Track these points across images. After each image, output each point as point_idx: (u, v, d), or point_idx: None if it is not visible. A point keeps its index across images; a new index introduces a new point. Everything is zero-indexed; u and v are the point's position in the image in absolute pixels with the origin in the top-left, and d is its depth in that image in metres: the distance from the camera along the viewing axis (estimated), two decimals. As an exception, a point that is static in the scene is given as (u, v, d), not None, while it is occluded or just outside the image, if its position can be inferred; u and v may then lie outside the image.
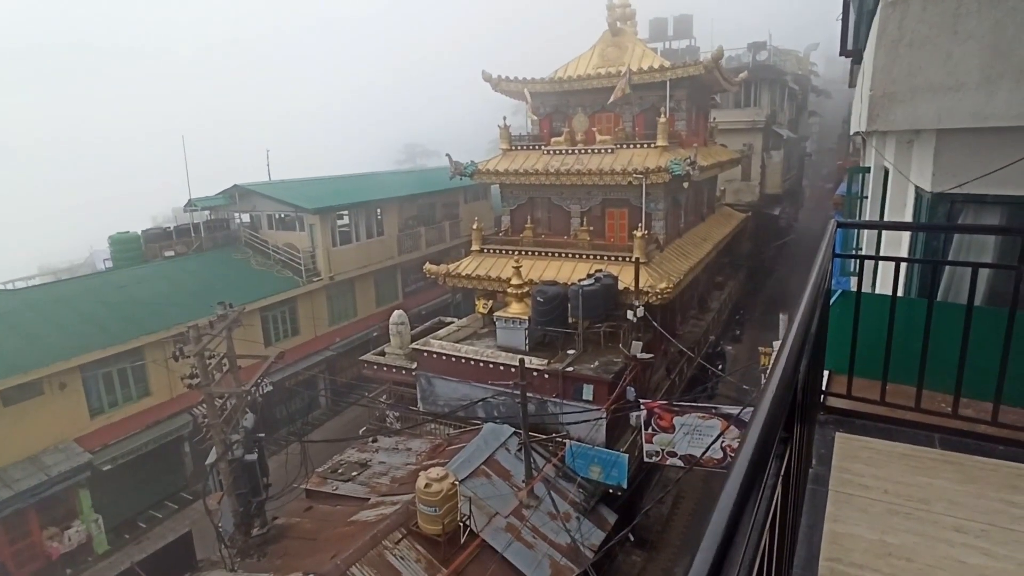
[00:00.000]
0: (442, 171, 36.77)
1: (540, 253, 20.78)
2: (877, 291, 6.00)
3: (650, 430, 14.61)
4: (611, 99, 20.08)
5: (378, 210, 30.75)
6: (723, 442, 13.38)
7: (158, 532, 19.66)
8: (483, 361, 17.34)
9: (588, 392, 16.23)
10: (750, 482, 1.14)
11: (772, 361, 1.77)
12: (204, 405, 13.31)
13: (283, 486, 14.72)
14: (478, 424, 16.66)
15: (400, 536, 12.11)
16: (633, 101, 21.55)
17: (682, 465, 14.44)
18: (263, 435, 13.73)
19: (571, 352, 17.39)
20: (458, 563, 11.84)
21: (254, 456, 13.03)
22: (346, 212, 29.66)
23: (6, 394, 16.99)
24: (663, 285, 17.43)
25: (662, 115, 20.04)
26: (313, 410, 26.92)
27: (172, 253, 26.30)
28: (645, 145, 20.32)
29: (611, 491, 15.28)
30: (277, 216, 28.48)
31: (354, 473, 15.64)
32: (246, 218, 29.80)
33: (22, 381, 17.25)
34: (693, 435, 13.81)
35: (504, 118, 22.59)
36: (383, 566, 11.46)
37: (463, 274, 20.91)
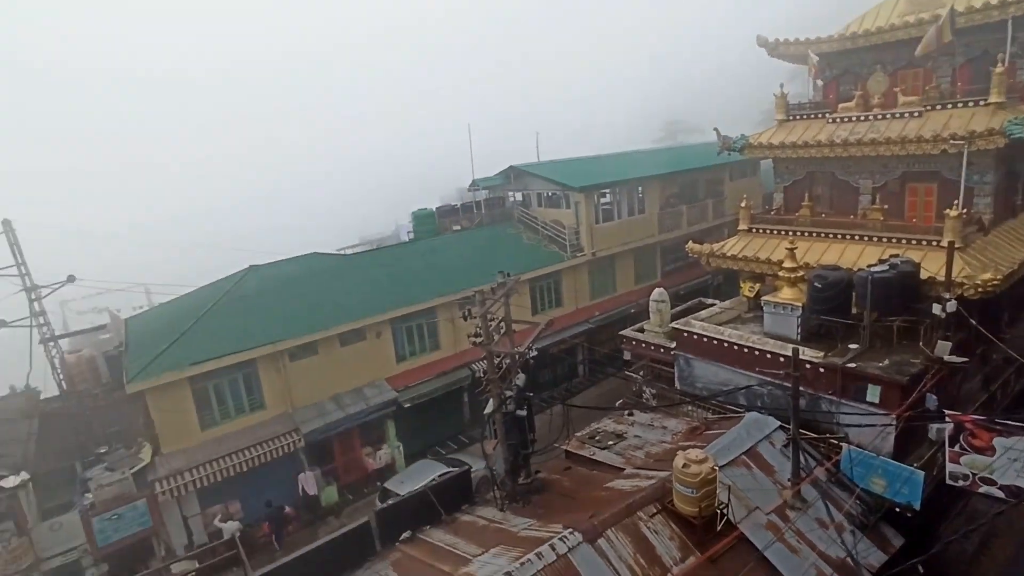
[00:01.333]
0: (705, 147, 35.15)
1: (819, 234, 18.64)
2: None
3: (957, 448, 12.27)
4: (920, 50, 16.77)
5: (639, 188, 30.82)
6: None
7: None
8: (748, 347, 16.38)
9: (873, 394, 14.22)
10: None
11: None
12: (484, 362, 15.14)
13: (546, 444, 16.02)
14: (739, 412, 15.87)
15: (655, 511, 12.28)
16: (954, 50, 17.75)
17: (1002, 497, 11.86)
18: (531, 394, 15.07)
19: (853, 347, 15.39)
20: (714, 550, 11.58)
21: (523, 412, 14.42)
22: (608, 190, 30.40)
23: (343, 336, 21.63)
24: (987, 276, 14.27)
25: (999, 64, 16.09)
26: (573, 378, 28.57)
27: (459, 227, 30.10)
28: (969, 104, 16.62)
29: (897, 509, 13.27)
30: (546, 194, 30.48)
31: (610, 442, 16.26)
32: (519, 196, 32.56)
33: (353, 327, 21.74)
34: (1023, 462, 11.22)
35: (781, 85, 20.59)
36: (637, 536, 11.79)
37: (728, 254, 19.87)
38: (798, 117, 20.19)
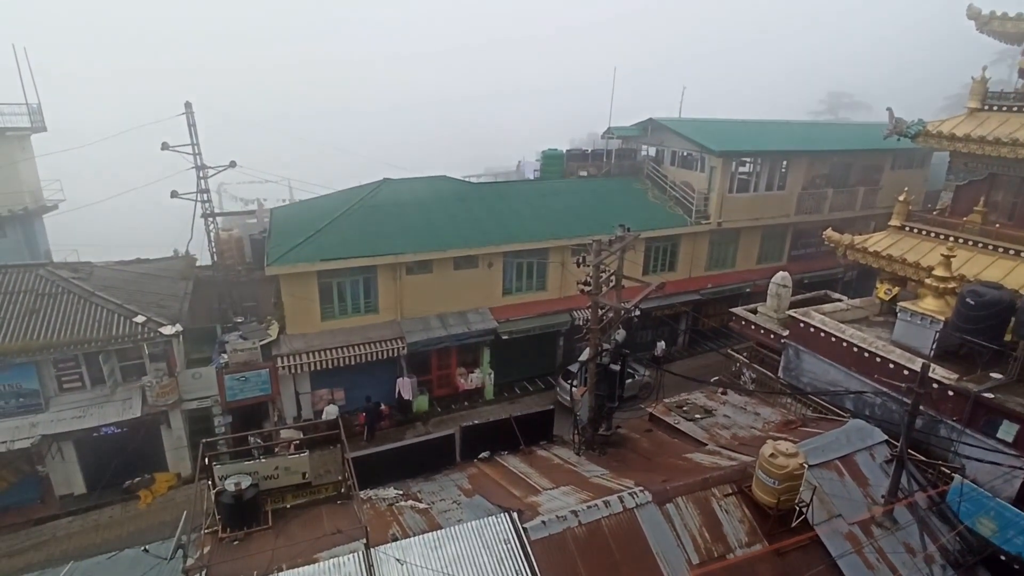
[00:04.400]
0: (870, 128, 31.92)
1: (986, 246, 16.64)
2: None
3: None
4: None
5: (784, 162, 28.70)
6: None
7: (526, 401, 24.06)
8: (870, 352, 15.29)
9: (1008, 431, 12.91)
10: None
11: None
12: (587, 311, 15.30)
13: (632, 402, 16.15)
14: (842, 416, 15.05)
15: (730, 491, 12.18)
16: None
17: None
18: (628, 352, 15.13)
19: (996, 376, 13.91)
20: (784, 544, 11.39)
21: (617, 367, 14.56)
22: (749, 159, 28.59)
23: (457, 261, 22.58)
24: None
25: None
26: (671, 345, 28.14)
27: (585, 173, 29.78)
28: None
29: (1003, 558, 12.23)
30: (681, 153, 29.22)
31: (697, 416, 16.09)
32: (652, 151, 31.45)
33: (468, 254, 22.60)
34: None
35: (983, 68, 18.00)
36: (707, 510, 11.81)
37: (871, 250, 18.30)
38: (995, 108, 17.70)
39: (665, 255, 27.46)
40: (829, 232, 19.98)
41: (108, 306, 18.68)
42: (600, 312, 14.59)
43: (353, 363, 20.68)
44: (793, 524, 11.67)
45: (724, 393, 17.60)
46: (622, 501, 11.37)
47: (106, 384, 18.49)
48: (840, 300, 19.69)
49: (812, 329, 16.87)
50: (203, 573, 9.71)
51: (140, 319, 18.29)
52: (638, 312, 14.96)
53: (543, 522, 10.74)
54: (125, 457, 18.31)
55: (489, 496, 12.14)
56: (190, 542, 10.89)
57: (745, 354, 19.72)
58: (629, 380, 18.83)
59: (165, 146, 23.37)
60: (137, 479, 18.74)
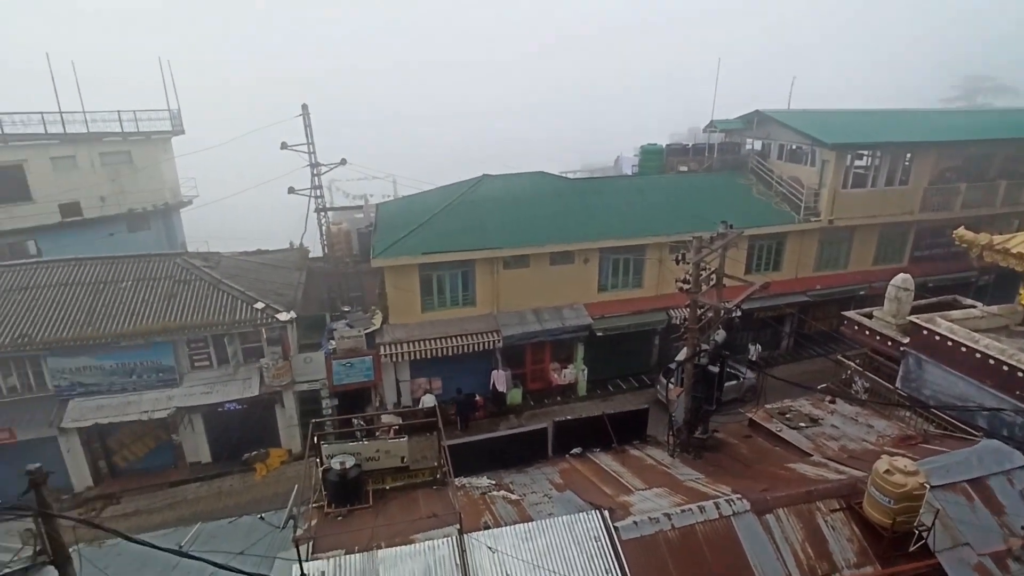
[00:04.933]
0: (1014, 114, 28.59)
1: None
2: None
3: None
4: None
5: (907, 155, 26.34)
6: None
7: (619, 399, 23.78)
8: (1011, 365, 13.75)
9: None
10: None
11: None
12: (685, 309, 14.89)
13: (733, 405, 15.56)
14: (973, 435, 13.68)
15: (838, 507, 11.44)
16: None
17: None
18: (728, 353, 14.57)
19: None
20: (899, 570, 10.55)
21: (715, 369, 14.06)
22: (866, 152, 26.50)
23: (553, 256, 22.68)
24: None
25: None
26: (775, 348, 26.74)
27: (686, 168, 28.86)
28: None
29: None
30: (789, 147, 27.60)
31: (802, 424, 15.21)
32: (757, 145, 29.92)
33: (565, 249, 22.64)
34: None
35: None
36: (810, 526, 11.17)
37: (1014, 251, 16.42)
38: None
39: (770, 254, 26.07)
40: (961, 231, 18.11)
41: (233, 293, 20.47)
42: (699, 311, 14.15)
43: (450, 354, 21.35)
44: (911, 549, 10.78)
45: (832, 402, 16.50)
46: (718, 507, 11.00)
47: (230, 364, 20.28)
48: (973, 307, 17.85)
49: (938, 337, 15.42)
50: (310, 544, 10.45)
51: (260, 305, 19.89)
52: (739, 312, 14.33)
53: (635, 522, 10.62)
54: (244, 432, 20.05)
55: (580, 492, 12.17)
56: (299, 514, 11.78)
57: (858, 361, 18.35)
58: (733, 383, 18.41)
59: (284, 146, 25.24)
60: (254, 452, 20.42)
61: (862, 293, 26.05)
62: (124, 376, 19.27)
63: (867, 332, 17.93)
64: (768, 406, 16.21)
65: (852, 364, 18.44)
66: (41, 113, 26.84)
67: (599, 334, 22.87)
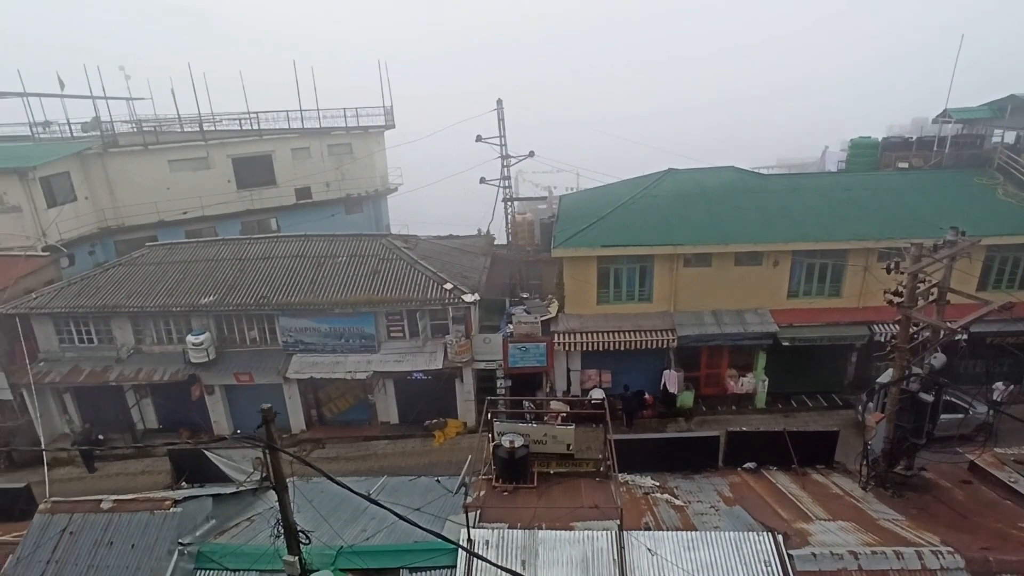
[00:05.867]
0: None
1: None
2: None
3: None
4: None
5: None
6: None
7: (803, 416, 21.73)
8: None
9: None
10: None
11: None
12: (895, 325, 13.08)
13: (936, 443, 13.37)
14: None
15: (1089, 583, 9.35)
16: None
17: None
18: (947, 381, 12.58)
19: None
20: None
21: (929, 398, 12.21)
22: None
23: (739, 256, 21.33)
24: None
25: None
26: (1017, 382, 22.26)
27: (906, 165, 25.22)
28: None
29: None
30: (1057, 139, 22.70)
31: (1045, 476, 12.60)
32: (1008, 137, 25.05)
33: (753, 249, 21.17)
34: None
35: None
36: (1047, 598, 9.29)
37: None
38: None
39: (1015, 268, 21.74)
40: None
41: (426, 272, 22.45)
42: (913, 329, 12.37)
43: (622, 348, 21.20)
44: None
45: (1093, 455, 13.41)
46: (921, 558, 9.61)
47: (419, 337, 22.31)
48: None
49: None
50: (478, 512, 11.17)
51: (448, 286, 21.56)
52: (966, 335, 12.27)
53: (813, 554, 9.71)
54: (428, 400, 21.99)
55: (752, 510, 11.44)
56: (470, 483, 12.65)
57: None
58: (955, 416, 16.05)
59: (479, 138, 26.86)
60: (435, 420, 22.31)
61: None
62: (335, 339, 22.18)
63: None
64: (999, 450, 13.69)
65: None
66: (286, 111, 31.83)
67: (785, 343, 21.04)
